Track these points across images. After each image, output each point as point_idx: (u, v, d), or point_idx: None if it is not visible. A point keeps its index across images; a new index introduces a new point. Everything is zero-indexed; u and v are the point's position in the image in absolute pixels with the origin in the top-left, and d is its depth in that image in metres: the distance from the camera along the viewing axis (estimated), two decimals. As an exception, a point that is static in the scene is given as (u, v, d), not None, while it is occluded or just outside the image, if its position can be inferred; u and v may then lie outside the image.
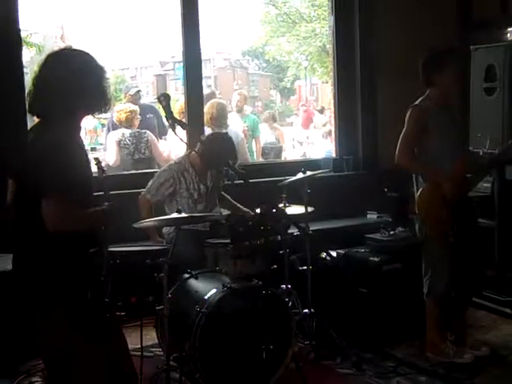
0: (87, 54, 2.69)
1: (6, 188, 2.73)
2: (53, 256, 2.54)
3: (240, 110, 7.62)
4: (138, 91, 7.02)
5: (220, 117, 6.23)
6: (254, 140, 7.85)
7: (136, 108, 6.32)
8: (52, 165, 2.46)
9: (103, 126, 9.86)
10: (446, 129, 4.13)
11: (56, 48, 2.74)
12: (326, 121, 11.36)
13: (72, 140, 2.60)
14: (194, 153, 4.56)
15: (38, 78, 2.61)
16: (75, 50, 2.72)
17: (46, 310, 2.58)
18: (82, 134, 2.86)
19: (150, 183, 4.63)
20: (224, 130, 5.86)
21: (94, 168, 2.90)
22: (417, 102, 4.19)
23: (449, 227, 4.01)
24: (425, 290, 4.20)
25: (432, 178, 4.10)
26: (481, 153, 4.47)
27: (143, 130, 6.21)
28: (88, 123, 8.87)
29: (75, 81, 2.58)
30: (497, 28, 6.21)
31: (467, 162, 4.11)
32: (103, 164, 3.12)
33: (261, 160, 7.90)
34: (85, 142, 2.96)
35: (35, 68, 2.65)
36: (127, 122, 6.16)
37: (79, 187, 2.55)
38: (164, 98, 2.83)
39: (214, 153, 4.34)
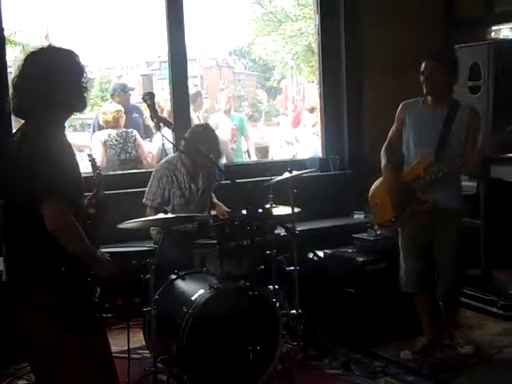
0: (68, 52, 2.66)
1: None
2: (43, 255, 2.52)
3: (228, 111, 7.59)
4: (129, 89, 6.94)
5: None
6: (243, 138, 7.83)
7: (121, 107, 6.23)
8: (47, 167, 2.44)
9: (71, 126, 9.82)
10: (418, 129, 4.14)
11: (38, 46, 2.70)
12: (316, 121, 11.32)
13: (61, 140, 2.58)
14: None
15: (20, 77, 2.59)
16: (55, 47, 2.68)
17: (36, 307, 2.54)
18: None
19: (146, 190, 4.55)
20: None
21: (87, 165, 2.87)
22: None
23: (390, 216, 4.18)
24: None
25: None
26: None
27: (130, 130, 6.10)
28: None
29: (55, 78, 2.55)
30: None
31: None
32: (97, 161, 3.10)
33: (246, 160, 7.88)
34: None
35: (17, 66, 2.62)
36: (114, 122, 6.07)
37: (74, 188, 2.54)
38: (149, 97, 2.81)
39: (193, 141, 4.35)
